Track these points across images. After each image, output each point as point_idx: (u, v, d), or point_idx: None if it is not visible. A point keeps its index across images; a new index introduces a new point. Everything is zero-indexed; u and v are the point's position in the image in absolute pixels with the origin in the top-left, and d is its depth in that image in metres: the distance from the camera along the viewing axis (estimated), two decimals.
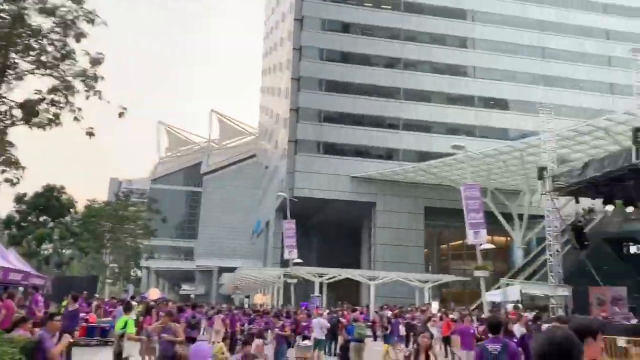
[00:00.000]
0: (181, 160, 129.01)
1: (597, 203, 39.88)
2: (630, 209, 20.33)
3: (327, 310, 24.74)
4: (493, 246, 30.26)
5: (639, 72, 17.18)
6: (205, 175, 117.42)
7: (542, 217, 30.82)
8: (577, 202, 21.05)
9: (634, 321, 16.45)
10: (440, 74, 54.70)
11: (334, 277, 41.42)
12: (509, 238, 49.43)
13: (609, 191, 19.07)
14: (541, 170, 20.96)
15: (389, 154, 52.94)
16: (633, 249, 41.32)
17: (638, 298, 23.56)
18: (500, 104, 55.46)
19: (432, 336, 7.14)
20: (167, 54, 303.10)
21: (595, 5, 59.25)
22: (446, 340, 17.54)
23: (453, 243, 55.87)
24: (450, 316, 21.93)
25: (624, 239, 41.57)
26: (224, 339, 16.62)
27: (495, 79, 55.32)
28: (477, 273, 21.54)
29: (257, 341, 9.96)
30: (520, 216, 44.59)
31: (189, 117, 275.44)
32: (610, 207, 20.46)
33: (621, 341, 12.79)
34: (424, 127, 53.39)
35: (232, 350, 13.79)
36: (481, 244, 21.83)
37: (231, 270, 66.54)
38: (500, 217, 44.88)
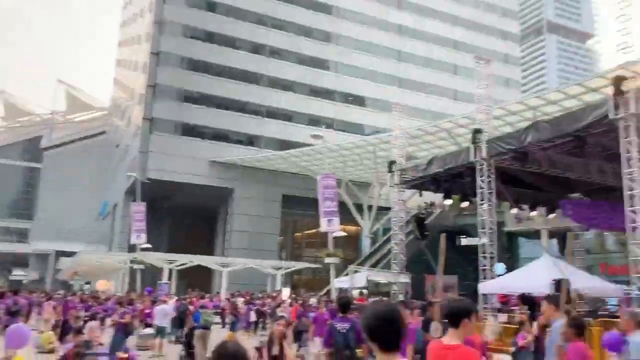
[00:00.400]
0: (18, 131, 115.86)
1: (438, 197, 43.78)
2: (465, 204, 22.21)
3: (176, 298, 23.84)
4: (345, 234, 31.46)
5: (480, 81, 18.69)
6: (47, 150, 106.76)
7: (389, 208, 32.89)
8: (421, 195, 22.57)
9: None
10: (304, 65, 55.43)
11: (184, 263, 40.09)
12: (358, 227, 51.85)
13: (449, 187, 20.69)
14: (391, 164, 22.11)
15: (250, 140, 52.52)
16: (464, 241, 45.88)
17: (466, 285, 25.95)
18: (358, 100, 57.79)
19: (288, 323, 6.71)
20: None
21: (446, 16, 64.27)
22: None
23: (308, 231, 57.28)
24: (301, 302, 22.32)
25: (457, 231, 46.01)
26: (54, 328, 15.08)
27: (355, 76, 57.46)
28: (328, 260, 22.17)
29: (91, 323, 9.08)
30: (370, 207, 47.05)
31: (31, 85, 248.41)
32: (448, 202, 22.22)
33: None
34: (286, 115, 53.78)
35: (63, 339, 12.51)
36: (333, 232, 22.46)
37: (71, 254, 61.39)
38: (352, 208, 46.92)
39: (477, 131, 17.58)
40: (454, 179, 20.24)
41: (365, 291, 25.82)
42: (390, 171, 22.09)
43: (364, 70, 57.91)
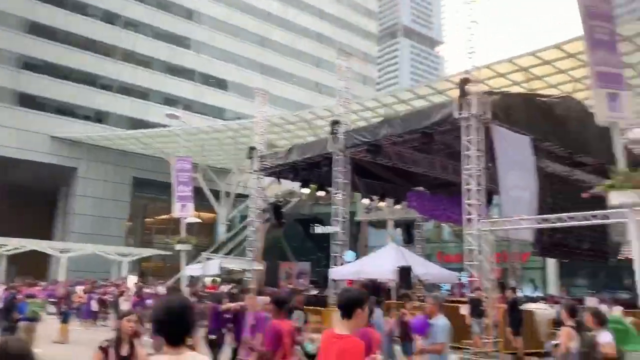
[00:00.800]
0: None
1: (296, 186, 44.52)
2: (321, 193, 22.69)
3: (4, 286, 21.19)
4: (199, 220, 30.47)
5: (342, 74, 19.07)
6: None
7: (247, 196, 32.66)
8: (279, 183, 22.61)
9: (314, 292, 18.59)
10: (163, 41, 52.60)
11: (16, 248, 35.98)
12: (215, 214, 50.85)
13: (307, 175, 20.95)
14: (251, 150, 21.82)
15: (99, 117, 48.63)
16: (318, 229, 47.31)
17: (318, 272, 26.63)
18: (220, 84, 56.46)
19: (139, 319, 5.76)
20: None
21: (313, 9, 65.32)
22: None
23: (160, 217, 54.74)
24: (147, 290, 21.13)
25: (312, 220, 47.27)
26: None
27: (218, 58, 55.98)
28: (179, 246, 21.18)
29: None
30: (228, 194, 46.36)
31: None
32: (306, 190, 22.52)
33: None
34: (140, 93, 50.64)
35: None
36: (187, 218, 21.55)
37: None
38: (208, 193, 45.82)
39: (335, 122, 17.97)
40: (311, 169, 20.52)
41: (217, 279, 25.31)
42: (249, 157, 21.78)
43: (228, 53, 56.64)
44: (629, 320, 16.50)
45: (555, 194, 15.68)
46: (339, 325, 3.48)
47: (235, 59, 57.23)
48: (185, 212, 20.90)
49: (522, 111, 15.10)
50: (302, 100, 58.80)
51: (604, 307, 17.74)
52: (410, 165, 19.49)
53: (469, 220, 13.68)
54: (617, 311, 16.77)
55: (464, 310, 11.33)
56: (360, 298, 3.45)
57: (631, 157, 17.36)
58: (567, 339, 6.56)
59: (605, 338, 6.08)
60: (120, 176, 47.59)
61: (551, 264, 29.52)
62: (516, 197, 13.93)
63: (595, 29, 8.06)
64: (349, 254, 26.80)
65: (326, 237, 46.55)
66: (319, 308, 14.87)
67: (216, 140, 41.60)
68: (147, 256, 46.38)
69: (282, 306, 6.10)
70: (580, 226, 15.22)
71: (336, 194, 17.93)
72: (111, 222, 46.71)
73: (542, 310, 13.80)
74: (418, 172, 20.10)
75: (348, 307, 3.40)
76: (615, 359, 6.16)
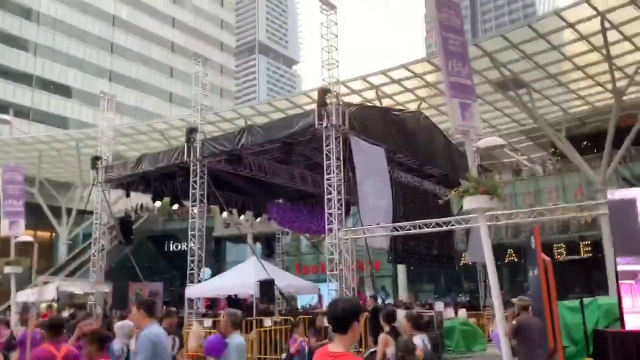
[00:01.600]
0: None
1: (148, 201, 41.91)
2: (175, 206, 21.37)
3: None
4: (31, 239, 26.91)
5: (198, 79, 18.18)
6: None
7: (91, 212, 29.76)
8: (128, 196, 20.85)
9: None
10: None
11: None
12: (54, 234, 45.99)
13: (159, 187, 19.59)
14: (95, 159, 19.84)
15: None
16: (172, 246, 45.02)
17: (172, 291, 25.06)
18: (62, 90, 51.63)
19: None
20: None
21: (164, 16, 62.84)
22: None
23: None
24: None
25: (166, 236, 44.86)
26: None
27: (59, 62, 51.19)
28: (7, 269, 18.30)
29: None
30: (69, 210, 42.15)
31: None
32: (158, 204, 21.11)
33: None
34: None
35: None
36: (17, 236, 18.80)
37: None
38: (47, 210, 41.33)
39: (191, 130, 16.99)
40: (165, 179, 19.23)
41: (54, 304, 22.53)
42: (94, 167, 19.77)
43: (71, 58, 52.11)
44: (472, 321, 17.78)
45: (407, 202, 16.36)
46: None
47: (80, 64, 52.88)
48: (15, 230, 18.18)
49: (378, 123, 15.57)
50: (154, 109, 56.04)
51: (449, 310, 18.97)
52: (271, 176, 19.13)
53: (330, 229, 13.63)
54: (462, 313, 18.00)
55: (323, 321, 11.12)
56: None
57: (480, 165, 18.88)
58: (383, 345, 6.61)
59: (418, 342, 6.11)
60: None
61: (401, 271, 31.10)
62: (374, 205, 14.23)
63: (449, 41, 8.33)
64: (205, 272, 25.62)
65: (180, 255, 44.64)
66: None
67: (56, 152, 37.72)
68: None
69: (56, 329, 5.55)
70: (431, 234, 16.03)
71: (193, 206, 16.91)
72: None
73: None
74: (279, 183, 19.82)
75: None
76: None
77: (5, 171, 19.28)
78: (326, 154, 13.96)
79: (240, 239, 39.78)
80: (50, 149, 37.21)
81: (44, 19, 50.96)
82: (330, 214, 13.76)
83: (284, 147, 15.26)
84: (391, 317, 7.00)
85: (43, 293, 27.04)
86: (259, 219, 27.11)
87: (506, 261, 29.66)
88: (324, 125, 13.87)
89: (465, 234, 20.60)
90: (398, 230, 13.81)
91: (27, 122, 45.96)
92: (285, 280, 14.38)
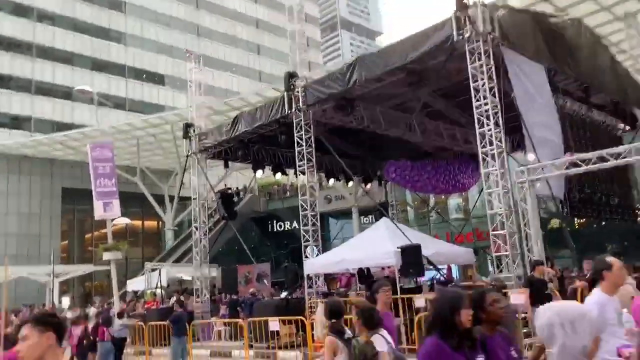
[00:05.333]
0: None
1: (246, 182, 40.40)
2: (278, 175, 18.76)
3: None
4: (128, 220, 25.86)
5: (295, 38, 15.18)
6: None
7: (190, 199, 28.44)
8: (227, 166, 18.52)
9: (283, 294, 14.66)
10: (84, 34, 47.04)
11: None
12: (160, 222, 46.01)
13: (260, 153, 17.04)
14: (187, 127, 17.56)
15: (16, 123, 42.73)
16: (276, 227, 43.39)
17: (286, 267, 22.66)
18: (155, 78, 51.41)
19: None
20: None
21: None
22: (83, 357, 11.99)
23: (102, 231, 49.22)
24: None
25: (269, 217, 43.32)
26: None
27: (149, 50, 50.91)
28: (106, 256, 16.76)
29: None
30: (172, 198, 41.64)
31: None
32: (259, 173, 18.49)
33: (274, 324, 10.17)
34: (63, 93, 44.95)
35: None
36: (113, 219, 17.12)
37: None
38: (151, 199, 41.03)
39: (291, 75, 14.06)
40: (265, 143, 16.56)
41: (159, 291, 20.95)
42: (186, 136, 17.53)
43: (159, 44, 51.62)
44: None
45: (576, 137, 12.36)
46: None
47: (169, 50, 52.28)
48: (110, 212, 16.45)
49: (533, 33, 11.67)
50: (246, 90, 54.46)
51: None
52: (387, 127, 15.84)
53: (488, 175, 10.08)
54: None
55: (518, 298, 7.67)
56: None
57: None
58: (330, 352, 4.46)
59: (380, 344, 4.30)
60: (49, 188, 41.92)
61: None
62: (543, 139, 10.47)
63: None
64: (310, 250, 22.86)
65: (285, 235, 42.82)
66: (292, 317, 10.97)
67: (152, 137, 36.88)
68: (90, 274, 41.04)
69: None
70: (610, 179, 12.00)
71: (300, 165, 14.00)
72: (42, 241, 40.99)
73: None
74: (395, 136, 16.47)
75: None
76: None
77: (93, 148, 17.69)
78: (473, 73, 10.36)
79: (344, 214, 37.12)
80: (146, 134, 36.40)
81: (131, 9, 50.79)
82: (486, 154, 10.19)
83: (409, 76, 11.83)
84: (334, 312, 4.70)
85: (152, 280, 26.06)
86: (368, 186, 24.01)
87: None
88: (467, 35, 10.26)
89: None
90: (580, 165, 9.93)
91: (123, 112, 45.97)
92: (431, 247, 11.06)
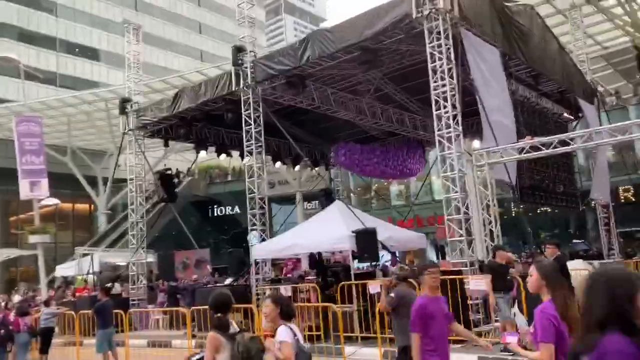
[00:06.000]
0: None
1: (187, 166, 38.95)
2: (222, 157, 17.95)
3: None
4: (58, 201, 24.16)
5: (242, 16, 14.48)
6: None
7: (125, 181, 26.97)
8: (167, 145, 17.51)
9: (228, 281, 13.94)
10: (10, 1, 43.57)
11: None
12: (92, 205, 43.79)
13: (203, 132, 16.12)
14: (124, 102, 16.38)
15: None
16: (217, 211, 42.31)
17: (230, 253, 21.93)
18: (88, 53, 48.54)
19: None
20: None
21: None
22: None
23: (30, 213, 46.19)
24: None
25: (209, 201, 42.12)
26: None
27: (83, 23, 47.96)
28: (33, 239, 15.44)
29: None
30: (106, 180, 39.60)
31: None
32: (203, 154, 17.61)
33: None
34: None
35: None
36: (41, 199, 15.78)
37: None
38: (83, 181, 38.89)
39: (239, 50, 13.28)
40: (209, 121, 15.70)
41: (89, 277, 19.72)
42: (123, 112, 16.36)
43: (95, 18, 48.72)
44: None
45: (526, 123, 12.38)
46: None
47: (105, 24, 49.46)
48: (37, 192, 15.14)
49: (489, 15, 11.52)
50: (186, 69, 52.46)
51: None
52: (337, 108, 15.39)
53: (444, 159, 9.82)
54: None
55: (478, 284, 7.41)
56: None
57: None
58: (212, 349, 4.06)
59: (283, 335, 3.99)
60: None
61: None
62: (498, 123, 10.34)
63: None
64: (253, 236, 22.18)
65: (226, 220, 41.76)
66: (240, 305, 10.33)
67: (85, 116, 34.77)
68: (12, 259, 38.41)
69: None
70: (556, 167, 12.14)
71: (248, 145, 13.30)
72: None
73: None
74: (346, 118, 16.08)
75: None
76: None
77: (19, 122, 16.18)
78: (431, 53, 10.04)
79: (287, 199, 36.64)
80: (79, 112, 34.27)
81: None
82: (442, 136, 9.93)
83: (364, 55, 11.38)
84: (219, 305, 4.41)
85: (83, 265, 24.57)
86: (314, 170, 23.58)
87: None
88: (427, 13, 9.90)
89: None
90: (530, 152, 9.87)
91: (54, 88, 43.17)
92: (384, 232, 10.70)
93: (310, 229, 11.90)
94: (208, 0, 59.29)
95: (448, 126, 9.83)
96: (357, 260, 10.89)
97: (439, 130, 9.97)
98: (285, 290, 9.85)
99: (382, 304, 5.95)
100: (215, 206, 42.06)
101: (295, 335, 4.05)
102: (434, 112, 10.01)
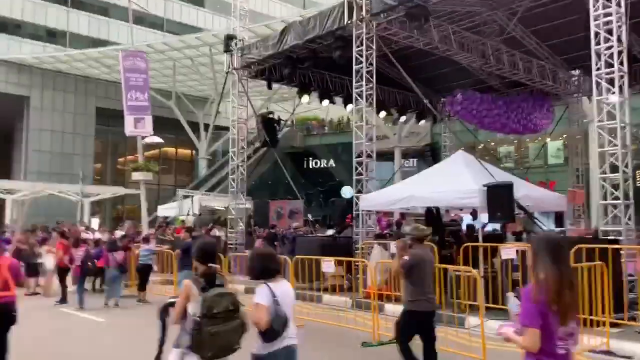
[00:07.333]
0: None
1: (283, 114, 38.61)
2: (325, 102, 16.93)
3: None
4: (161, 140, 24.44)
5: None
6: None
7: (228, 128, 27.00)
8: (270, 87, 16.65)
9: (329, 232, 13.16)
10: None
11: None
12: (194, 150, 45.04)
13: (307, 73, 15.09)
14: (229, 39, 15.65)
15: (51, 35, 41.43)
16: (312, 163, 41.92)
17: (333, 202, 21.25)
18: None
19: None
20: None
21: None
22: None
23: (136, 155, 48.52)
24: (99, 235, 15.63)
25: (304, 153, 41.80)
26: None
27: None
28: (135, 176, 15.47)
29: None
30: (207, 126, 40.32)
31: None
32: (305, 99, 16.65)
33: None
34: (100, 8, 43.18)
35: None
36: (145, 136, 15.68)
37: None
38: (186, 126, 39.83)
39: None
40: (315, 63, 14.57)
41: (187, 217, 19.80)
42: (227, 50, 15.67)
43: None
44: None
45: None
46: None
47: None
48: (141, 128, 14.99)
49: None
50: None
51: None
52: (458, 52, 13.69)
53: (600, 104, 8.03)
54: None
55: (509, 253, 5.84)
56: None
57: None
58: (185, 296, 3.79)
59: (260, 297, 3.68)
60: (83, 106, 41.03)
61: None
62: None
63: None
64: (346, 191, 21.12)
65: (320, 172, 41.21)
66: (346, 259, 9.40)
67: (189, 60, 35.12)
68: (119, 197, 40.65)
69: None
70: None
71: (357, 87, 12.08)
72: (74, 160, 40.40)
73: None
74: (467, 62, 14.36)
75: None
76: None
77: (125, 57, 16.07)
78: None
79: (383, 155, 35.29)
80: (184, 57, 34.64)
81: None
82: (600, 77, 8.10)
83: None
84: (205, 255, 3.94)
85: (184, 207, 25.08)
86: (421, 122, 22.05)
87: None
88: None
89: None
90: None
91: (160, 33, 44.17)
92: (521, 189, 9.09)
93: (430, 180, 10.43)
94: None
95: (609, 65, 7.99)
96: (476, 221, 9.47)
97: (597, 69, 8.15)
98: (389, 247, 8.78)
99: (395, 267, 5.70)
100: (310, 158, 41.58)
101: (274, 296, 3.63)
102: (592, 48, 8.18)
